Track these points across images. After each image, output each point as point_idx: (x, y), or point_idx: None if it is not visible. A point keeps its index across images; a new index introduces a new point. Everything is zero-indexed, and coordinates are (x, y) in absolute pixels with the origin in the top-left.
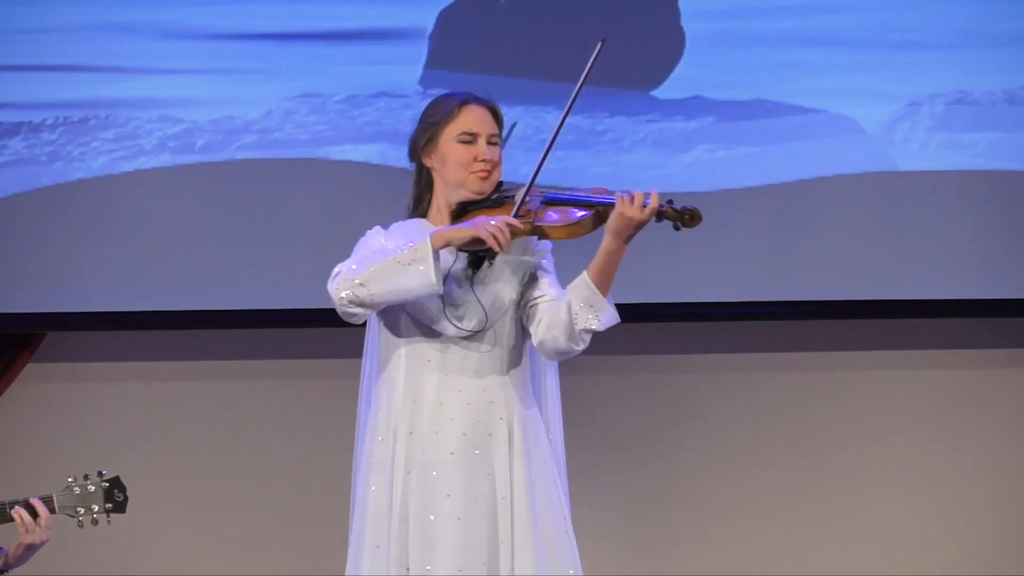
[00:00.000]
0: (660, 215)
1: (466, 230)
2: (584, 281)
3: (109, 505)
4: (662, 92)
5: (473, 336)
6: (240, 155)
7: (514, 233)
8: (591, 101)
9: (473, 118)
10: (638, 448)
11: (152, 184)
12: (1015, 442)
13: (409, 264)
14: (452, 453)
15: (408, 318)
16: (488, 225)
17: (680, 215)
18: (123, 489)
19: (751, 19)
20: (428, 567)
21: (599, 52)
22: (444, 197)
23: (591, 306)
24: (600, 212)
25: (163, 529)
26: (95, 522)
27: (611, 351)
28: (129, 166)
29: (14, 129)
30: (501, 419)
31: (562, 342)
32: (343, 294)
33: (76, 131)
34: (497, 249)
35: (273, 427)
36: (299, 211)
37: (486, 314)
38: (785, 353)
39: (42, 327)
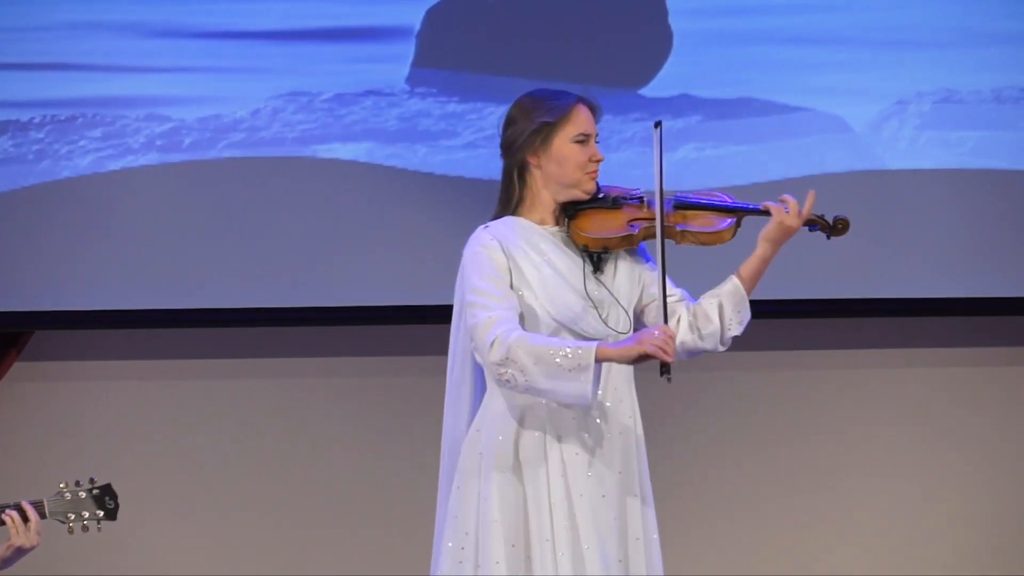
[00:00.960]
0: (812, 224)
1: (631, 349)
2: (737, 287)
3: (100, 512)
4: (649, 90)
5: (604, 339)
6: (228, 153)
7: (672, 340)
8: None
9: (587, 119)
10: None
11: (140, 182)
12: (1002, 440)
13: (568, 371)
14: (593, 455)
15: (549, 322)
16: (652, 339)
17: (832, 227)
18: (114, 496)
19: (738, 18)
20: (574, 569)
21: (660, 137)
22: (548, 195)
23: (739, 311)
24: (740, 220)
25: (151, 529)
26: (85, 529)
27: None
28: (116, 164)
29: (1, 128)
30: (629, 418)
31: (708, 345)
32: (500, 367)
33: (63, 129)
34: (668, 360)
35: (262, 425)
36: (287, 209)
37: (628, 314)
38: (771, 351)
39: (29, 326)
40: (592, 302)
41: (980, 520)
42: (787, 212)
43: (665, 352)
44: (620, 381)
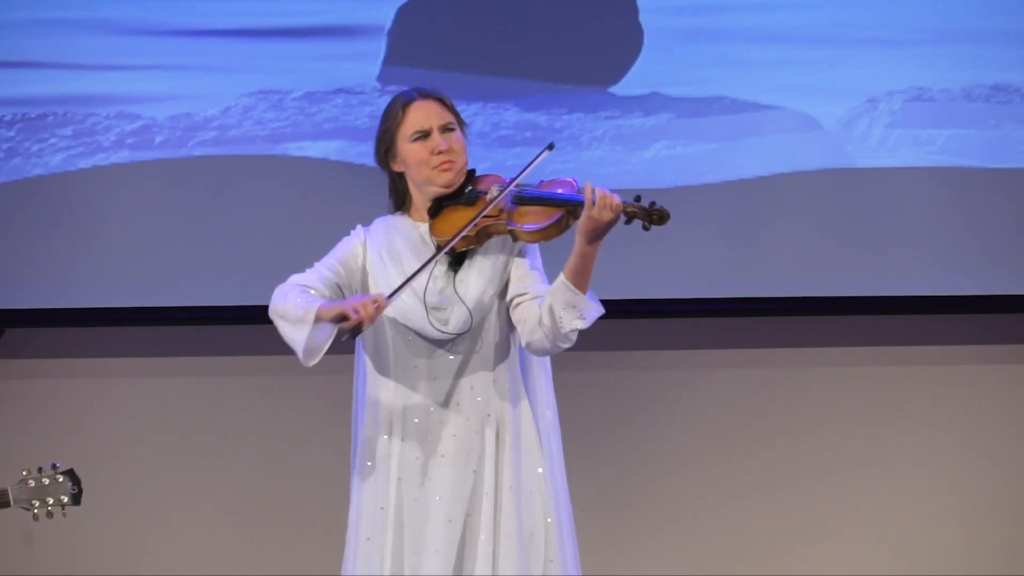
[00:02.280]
0: (629, 216)
1: (336, 307)
2: (563, 284)
3: (64, 498)
4: (620, 89)
5: (458, 337)
6: (198, 152)
7: (379, 309)
8: (549, 98)
9: (421, 115)
10: (600, 444)
11: (111, 181)
12: (974, 437)
13: (295, 323)
14: (443, 456)
15: (394, 323)
16: (357, 304)
17: (648, 214)
18: (78, 481)
19: (709, 16)
20: (417, 569)
21: (542, 155)
22: (419, 196)
23: (573, 307)
24: (571, 211)
25: (125, 526)
26: (50, 515)
27: (570, 348)
28: (87, 163)
29: None
30: (489, 415)
31: (548, 344)
32: (270, 311)
33: (34, 127)
34: (353, 320)
35: (235, 422)
36: (258, 207)
37: (471, 315)
38: (742, 349)
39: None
40: (426, 306)
41: (980, 520)
42: (596, 205)
43: (356, 312)
44: (481, 379)
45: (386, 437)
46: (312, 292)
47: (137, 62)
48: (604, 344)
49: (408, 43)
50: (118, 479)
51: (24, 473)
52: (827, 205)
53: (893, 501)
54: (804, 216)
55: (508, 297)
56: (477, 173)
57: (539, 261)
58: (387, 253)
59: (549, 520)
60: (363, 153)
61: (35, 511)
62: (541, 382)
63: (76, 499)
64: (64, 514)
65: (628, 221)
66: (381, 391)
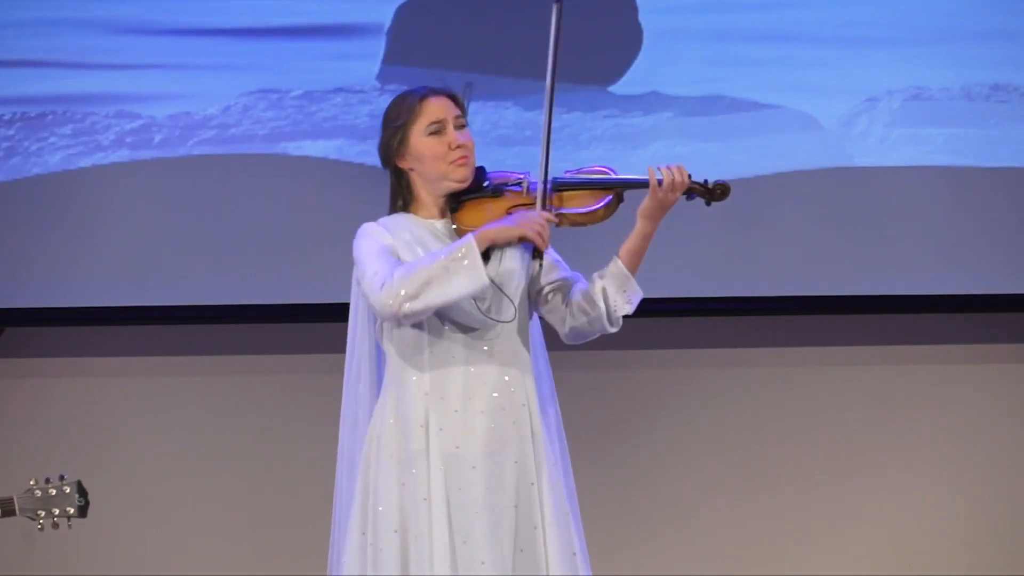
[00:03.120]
0: (690, 192)
1: (512, 229)
2: (618, 267)
3: (70, 509)
4: (619, 87)
5: (496, 328)
6: (198, 151)
7: (549, 221)
8: None
9: (436, 108)
10: (599, 444)
11: (110, 180)
12: (974, 436)
13: (459, 268)
14: (486, 446)
15: (431, 315)
16: (531, 222)
17: (711, 192)
18: (85, 493)
19: (709, 14)
20: (471, 561)
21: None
22: (429, 194)
23: (624, 291)
24: (618, 195)
25: (125, 525)
26: (56, 526)
27: (563, 347)
28: (86, 162)
29: None
30: (523, 406)
31: (597, 327)
32: (398, 307)
33: (33, 126)
34: (543, 247)
35: (235, 422)
36: (258, 207)
37: (514, 304)
38: (742, 348)
39: None
40: (479, 295)
41: (981, 520)
42: (660, 185)
43: (542, 237)
44: (513, 369)
45: (421, 428)
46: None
47: (136, 61)
48: (604, 343)
49: (408, 42)
50: (118, 478)
51: (31, 483)
52: (826, 204)
53: (894, 501)
54: (803, 215)
55: (538, 287)
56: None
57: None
58: (412, 239)
59: (566, 512)
60: (363, 152)
61: (41, 521)
62: (545, 376)
63: (83, 511)
64: (70, 526)
65: (690, 198)
66: (411, 381)
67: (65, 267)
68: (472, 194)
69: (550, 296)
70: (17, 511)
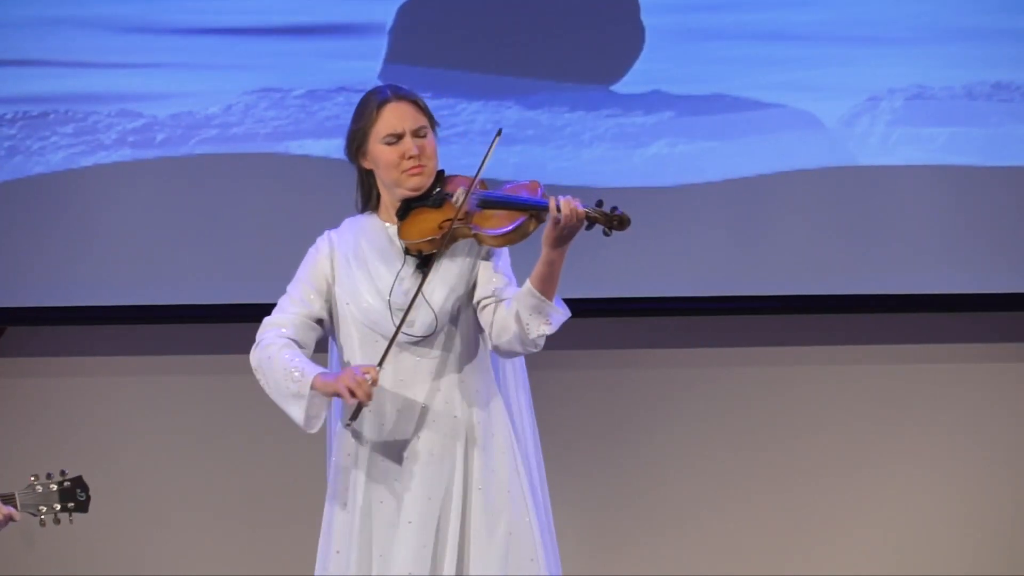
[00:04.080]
0: (591, 221)
1: (328, 384)
2: (529, 291)
3: (71, 504)
4: (622, 87)
5: (425, 340)
6: (200, 150)
7: (375, 383)
8: (551, 96)
9: (394, 118)
10: (599, 444)
11: (112, 179)
12: (975, 435)
13: (292, 395)
14: (411, 460)
15: (359, 326)
16: (347, 379)
17: (609, 219)
18: (85, 488)
19: (710, 13)
20: (387, 572)
21: (494, 142)
22: (388, 196)
23: (539, 312)
24: (534, 215)
25: (126, 524)
26: (57, 521)
27: (568, 347)
28: (88, 161)
29: None
30: (456, 417)
31: (517, 347)
32: (251, 360)
33: (35, 125)
34: (357, 401)
35: (239, 421)
36: (259, 206)
37: (436, 318)
38: (743, 348)
39: (1, 321)
40: (391, 308)
41: (982, 520)
42: (558, 212)
43: (352, 394)
44: (446, 380)
45: (354, 441)
46: (293, 343)
47: (138, 60)
48: (604, 343)
49: (409, 41)
50: (119, 478)
51: (32, 479)
52: (828, 203)
53: (895, 500)
54: (805, 214)
55: (475, 300)
56: (446, 173)
57: (506, 262)
58: (354, 257)
59: (528, 519)
60: None
61: (42, 517)
62: (512, 382)
63: (83, 506)
64: (71, 521)
65: (589, 226)
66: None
67: (66, 266)
68: (420, 201)
69: (481, 312)
70: (19, 507)
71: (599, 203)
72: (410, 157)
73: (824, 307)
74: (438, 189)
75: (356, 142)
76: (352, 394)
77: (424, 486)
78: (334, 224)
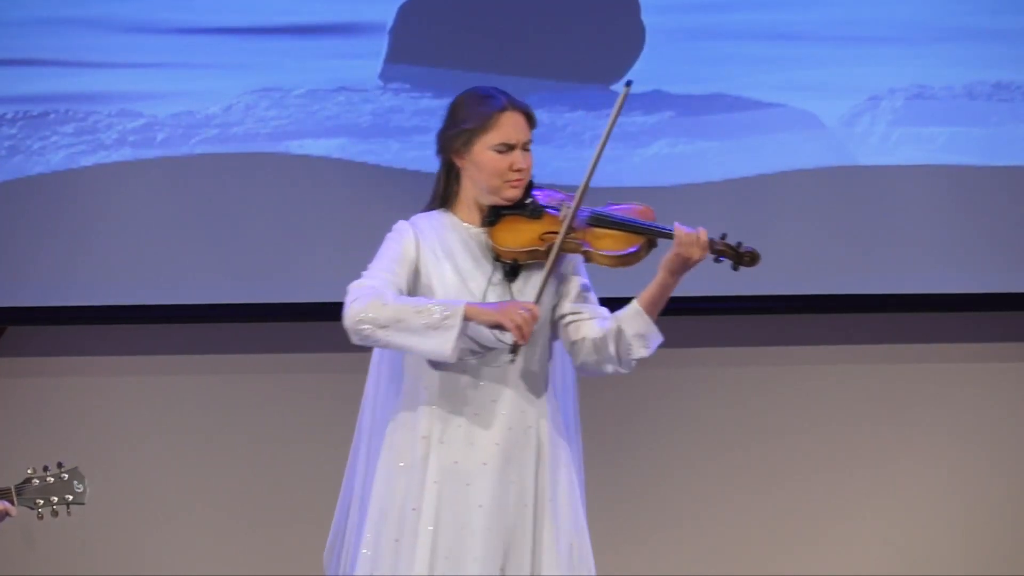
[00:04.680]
0: (718, 255)
1: (493, 315)
2: (638, 312)
3: (69, 497)
4: (622, 86)
5: (499, 350)
6: (200, 149)
7: (535, 321)
8: (551, 96)
9: (510, 128)
10: (599, 443)
11: (112, 179)
12: (975, 435)
13: (434, 328)
14: (484, 464)
15: None
16: (515, 315)
17: (738, 256)
18: (82, 480)
19: (710, 13)
20: (456, 572)
21: (625, 96)
22: (473, 198)
23: (643, 336)
24: (650, 241)
25: (127, 524)
26: (55, 514)
27: None
28: (89, 160)
29: None
30: (530, 427)
31: (608, 367)
32: (357, 325)
33: (36, 125)
34: (520, 342)
35: (241, 421)
36: (260, 205)
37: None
38: (743, 347)
39: (1, 321)
40: None
41: (982, 519)
42: (691, 245)
43: (521, 331)
44: (524, 387)
45: (424, 439)
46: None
47: (139, 60)
48: None
49: (410, 41)
50: (119, 477)
51: (29, 472)
52: (829, 203)
53: (895, 500)
54: (806, 214)
55: (559, 313)
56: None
57: (586, 275)
58: (441, 250)
59: (584, 533)
60: (365, 151)
61: (40, 510)
62: (570, 395)
63: (80, 499)
64: (69, 513)
65: (717, 259)
66: (422, 393)
67: (67, 266)
68: (513, 210)
69: (568, 327)
70: (15, 501)
71: (723, 236)
72: (517, 170)
73: (824, 307)
74: (530, 200)
75: (461, 140)
76: (519, 329)
77: (499, 493)
78: (334, 221)
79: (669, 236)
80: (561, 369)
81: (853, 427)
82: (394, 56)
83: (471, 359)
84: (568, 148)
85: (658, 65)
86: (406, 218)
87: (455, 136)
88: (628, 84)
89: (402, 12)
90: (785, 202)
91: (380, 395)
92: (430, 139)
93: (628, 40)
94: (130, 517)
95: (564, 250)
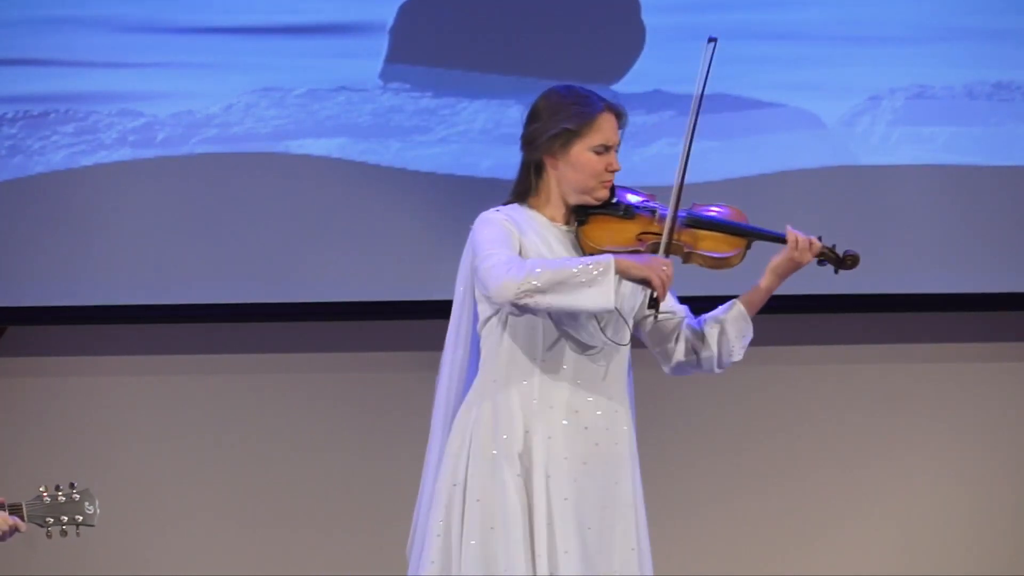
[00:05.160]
0: (822, 258)
1: (642, 269)
2: (743, 315)
3: (79, 517)
4: (623, 86)
5: (607, 349)
6: (200, 149)
7: (670, 278)
8: None
9: (611, 130)
10: None
11: (112, 178)
12: (976, 435)
13: (590, 285)
14: (585, 463)
15: (549, 324)
16: (661, 271)
17: (840, 260)
18: (93, 501)
19: (711, 13)
20: (562, 572)
21: (712, 53)
22: (559, 197)
23: (744, 337)
24: (749, 244)
25: (127, 524)
26: (64, 533)
27: None
28: (89, 160)
29: None
30: (625, 428)
31: (706, 367)
32: (520, 292)
33: (36, 125)
34: (662, 298)
35: (241, 421)
36: (260, 205)
37: (629, 328)
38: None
39: (1, 321)
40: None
41: (982, 519)
42: (801, 249)
43: (664, 287)
44: (616, 390)
45: (525, 433)
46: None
47: (139, 59)
48: None
49: (410, 40)
50: (119, 477)
51: (41, 489)
52: (829, 203)
53: (895, 499)
54: (806, 214)
55: (645, 313)
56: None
57: None
58: (541, 242)
59: (647, 536)
60: (365, 151)
61: (49, 528)
62: (632, 397)
63: (91, 520)
64: (78, 534)
65: (821, 263)
66: (519, 387)
67: (67, 266)
68: (601, 210)
69: (662, 328)
70: (25, 517)
71: (819, 238)
72: (612, 171)
73: (823, 307)
74: (615, 199)
75: (561, 139)
76: (663, 283)
77: (599, 491)
78: (335, 223)
79: (782, 241)
80: (630, 375)
81: (853, 427)
82: (394, 56)
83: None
84: None
85: (658, 65)
86: (406, 218)
87: (554, 136)
88: (713, 40)
89: (402, 12)
90: (785, 202)
91: (454, 393)
92: (430, 139)
93: (629, 39)
94: (130, 517)
95: (668, 252)
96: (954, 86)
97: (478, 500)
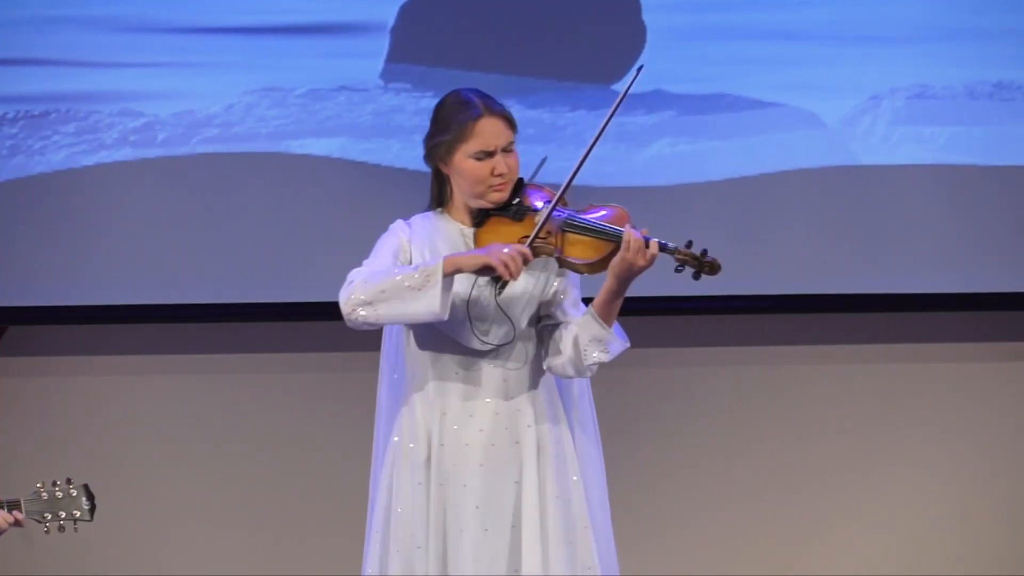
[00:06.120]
0: (680, 263)
1: (478, 257)
2: (592, 318)
3: (76, 513)
4: (623, 86)
5: (500, 349)
6: (201, 149)
7: (526, 261)
8: (552, 95)
9: (488, 136)
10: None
11: (113, 178)
12: (975, 435)
13: (418, 289)
14: (481, 465)
15: (434, 331)
16: (501, 253)
17: (700, 264)
18: (91, 497)
19: (712, 13)
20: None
21: (635, 78)
22: (463, 202)
23: (599, 340)
24: (619, 246)
25: (128, 524)
26: (62, 529)
27: None
28: (90, 160)
29: None
30: (529, 427)
31: (570, 371)
32: (350, 311)
33: (37, 125)
34: (508, 278)
35: (243, 420)
36: (261, 205)
37: (514, 328)
38: (744, 347)
39: (2, 321)
40: (470, 316)
41: (981, 519)
42: (633, 251)
43: (508, 269)
44: (517, 388)
45: (424, 442)
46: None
47: (140, 59)
48: None
49: (411, 40)
50: (120, 477)
51: (38, 485)
52: (830, 202)
53: (894, 499)
54: (807, 214)
55: (540, 315)
56: (526, 180)
57: (577, 284)
58: (430, 253)
59: (584, 527)
60: (366, 151)
61: (47, 524)
62: (576, 393)
63: (88, 515)
64: (76, 529)
65: (679, 269)
66: (416, 396)
67: (68, 266)
68: (499, 211)
69: (542, 331)
70: (23, 513)
71: (689, 244)
72: (499, 175)
73: (824, 307)
74: (517, 200)
75: (441, 150)
76: (506, 266)
77: (496, 493)
78: (335, 223)
79: (617, 240)
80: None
81: (853, 427)
82: (395, 56)
83: (476, 340)
84: (569, 148)
85: (659, 65)
86: (407, 218)
87: (436, 145)
88: (639, 70)
89: (403, 12)
90: (786, 202)
91: (381, 399)
92: None
93: (628, 40)
94: (131, 516)
95: (540, 253)
96: (955, 86)
97: (400, 510)
